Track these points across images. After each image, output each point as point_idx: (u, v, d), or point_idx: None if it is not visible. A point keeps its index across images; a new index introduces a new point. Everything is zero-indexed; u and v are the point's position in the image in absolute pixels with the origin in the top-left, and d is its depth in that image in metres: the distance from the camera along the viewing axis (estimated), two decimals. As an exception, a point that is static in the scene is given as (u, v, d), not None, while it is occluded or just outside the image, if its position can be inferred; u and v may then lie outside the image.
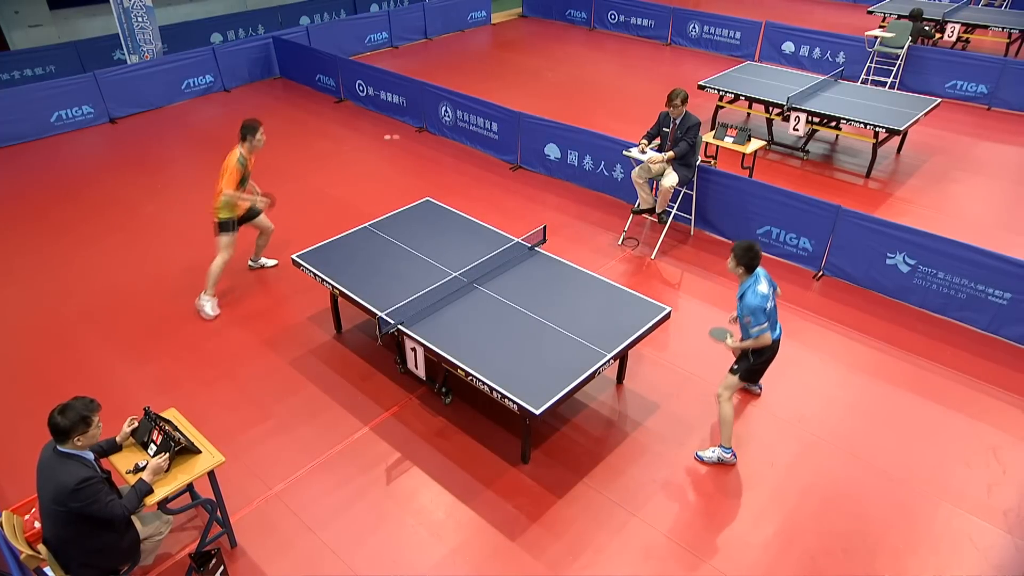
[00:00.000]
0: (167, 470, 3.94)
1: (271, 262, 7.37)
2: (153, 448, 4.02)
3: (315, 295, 6.87)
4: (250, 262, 7.34)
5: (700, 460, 5.13)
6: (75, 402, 3.58)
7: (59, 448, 3.58)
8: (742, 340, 4.87)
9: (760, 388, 5.72)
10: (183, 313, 6.68)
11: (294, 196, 8.71)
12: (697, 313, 6.71)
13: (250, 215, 6.72)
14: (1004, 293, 6.22)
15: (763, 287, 4.71)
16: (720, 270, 7.33)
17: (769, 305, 4.72)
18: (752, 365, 4.93)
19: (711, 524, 4.68)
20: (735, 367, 5.00)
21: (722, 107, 10.45)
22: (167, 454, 3.92)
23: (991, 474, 5.04)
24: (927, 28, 12.38)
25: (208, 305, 6.59)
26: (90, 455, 3.69)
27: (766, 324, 4.68)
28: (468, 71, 13.27)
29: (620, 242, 7.85)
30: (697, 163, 7.51)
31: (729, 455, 5.07)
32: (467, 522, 4.68)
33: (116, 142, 10.47)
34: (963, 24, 13.36)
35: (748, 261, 4.71)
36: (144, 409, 4.16)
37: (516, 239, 6.28)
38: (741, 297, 4.76)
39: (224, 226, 6.44)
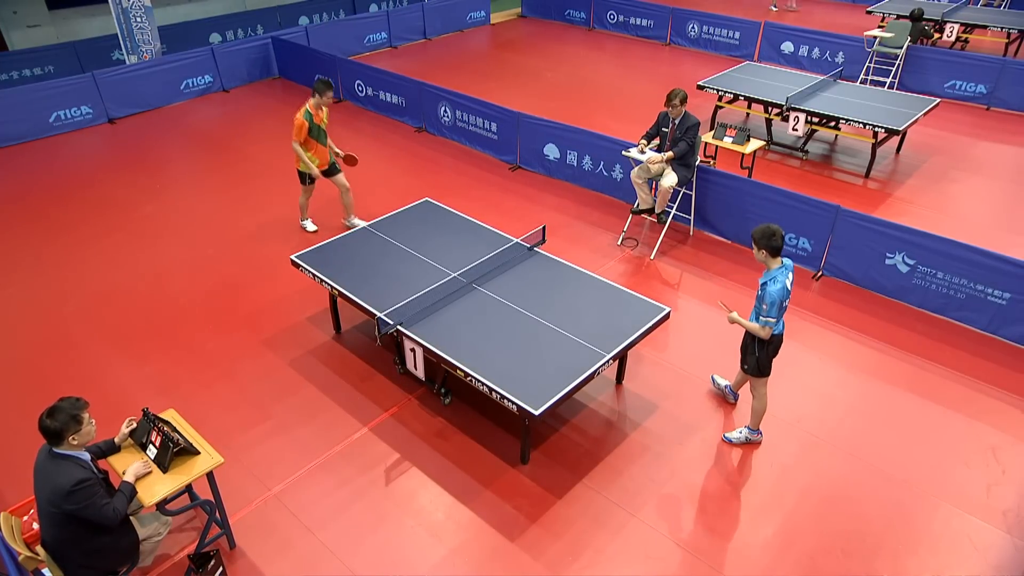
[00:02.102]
0: (165, 471, 3.94)
1: (360, 223, 7.78)
2: (152, 449, 4.01)
3: (314, 296, 6.87)
4: (344, 222, 8.06)
5: (728, 442, 5.26)
6: (62, 403, 3.56)
7: (55, 450, 3.58)
8: (750, 320, 4.89)
9: (736, 398, 5.70)
10: (182, 314, 6.68)
11: (293, 196, 8.70)
12: (696, 313, 6.71)
13: (331, 171, 7.64)
14: (1003, 293, 6.22)
15: (789, 281, 4.67)
16: (720, 270, 7.33)
17: (787, 302, 4.74)
18: (759, 358, 4.93)
19: (710, 524, 4.68)
20: (745, 367, 5.03)
21: (721, 107, 10.45)
22: (146, 456, 3.94)
23: (990, 474, 5.04)
24: (926, 28, 12.38)
25: (307, 224, 7.87)
26: (86, 456, 3.68)
27: (775, 320, 4.69)
28: (467, 71, 13.27)
29: (619, 242, 7.85)
30: (696, 163, 7.51)
31: (756, 434, 5.25)
32: (466, 523, 4.68)
33: (115, 142, 10.46)
34: (962, 24, 13.37)
35: (768, 243, 4.63)
36: (143, 410, 4.16)
37: (515, 239, 6.27)
38: (764, 284, 4.71)
39: (302, 179, 7.52)
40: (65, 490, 3.48)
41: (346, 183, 7.77)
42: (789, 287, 4.67)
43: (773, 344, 4.88)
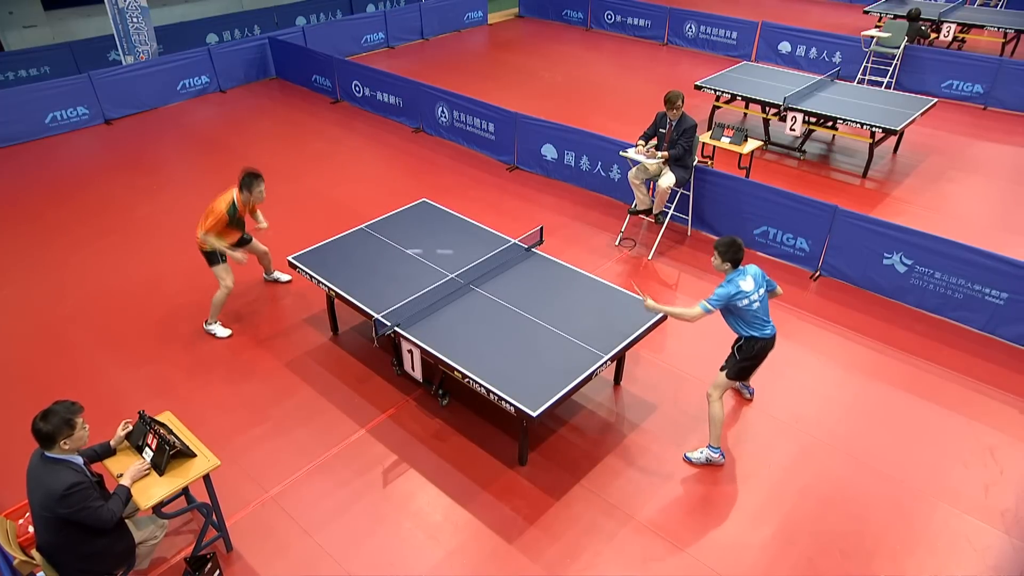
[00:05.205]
0: (162, 474, 3.92)
1: (285, 277, 7.14)
2: (148, 452, 4.00)
3: (311, 297, 6.85)
4: (264, 276, 7.17)
5: (688, 461, 5.11)
6: (56, 406, 3.55)
7: (47, 454, 3.56)
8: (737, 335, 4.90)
9: (752, 393, 5.70)
10: (178, 315, 6.65)
11: (290, 197, 8.69)
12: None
13: (241, 242, 6.44)
14: (1001, 293, 6.22)
15: (746, 283, 4.69)
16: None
17: (746, 303, 4.69)
18: (739, 362, 4.91)
19: (709, 526, 4.67)
20: (724, 365, 5.00)
21: (719, 107, 10.45)
22: (146, 461, 3.94)
23: (988, 474, 5.04)
24: (923, 28, 12.41)
25: (217, 330, 6.38)
26: (79, 459, 3.66)
27: (713, 310, 4.67)
28: (464, 71, 13.26)
29: (617, 243, 7.84)
30: (694, 164, 7.51)
31: (717, 455, 5.05)
32: (464, 524, 4.66)
33: (111, 143, 10.43)
34: (959, 24, 13.39)
35: (733, 256, 4.71)
36: (139, 412, 4.15)
37: (513, 240, 6.26)
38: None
39: (211, 258, 6.12)
40: (58, 494, 3.46)
41: (264, 247, 6.79)
42: (743, 288, 4.68)
43: (761, 347, 4.83)
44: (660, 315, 5.34)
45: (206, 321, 6.44)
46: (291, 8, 15.75)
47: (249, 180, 5.99)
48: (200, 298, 6.87)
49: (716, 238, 7.72)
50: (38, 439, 3.52)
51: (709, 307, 4.67)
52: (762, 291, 4.81)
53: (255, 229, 6.48)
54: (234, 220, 6.08)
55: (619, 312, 5.40)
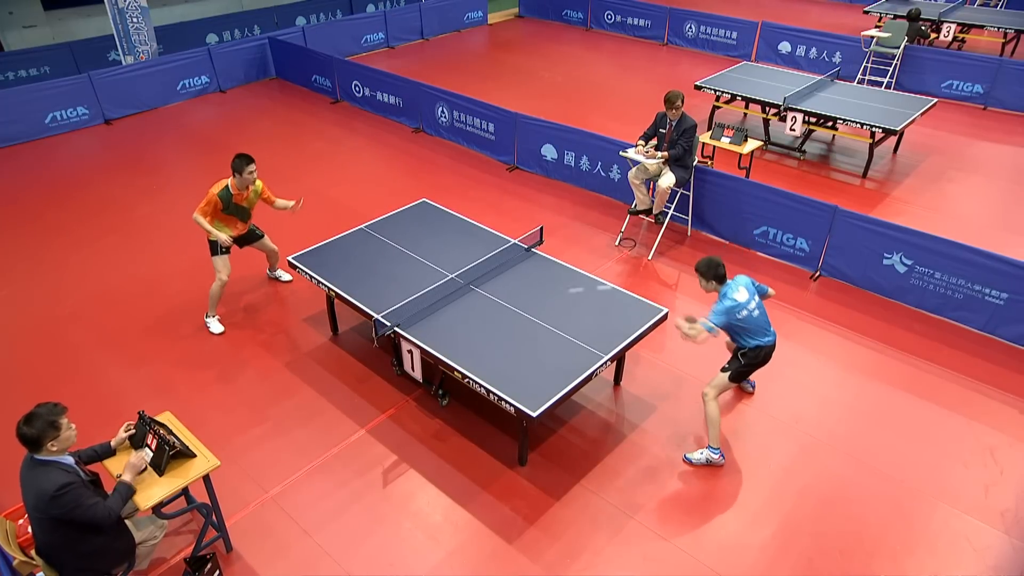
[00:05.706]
0: (162, 474, 3.92)
1: (286, 277, 7.18)
2: (148, 452, 3.99)
3: (311, 297, 6.85)
4: (268, 272, 7.25)
5: (688, 462, 5.11)
6: (39, 409, 3.54)
7: (36, 457, 3.56)
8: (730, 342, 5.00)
9: (753, 386, 5.72)
10: (178, 316, 6.65)
11: (290, 197, 8.65)
12: (694, 314, 6.65)
13: (250, 238, 6.63)
14: (1001, 293, 6.22)
15: (739, 294, 4.76)
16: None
17: (745, 313, 4.73)
18: (742, 366, 4.97)
19: (708, 526, 4.67)
20: (726, 366, 5.03)
21: (719, 107, 10.45)
22: (143, 451, 3.93)
23: (988, 474, 5.04)
24: (923, 28, 12.41)
25: (212, 324, 6.45)
26: (69, 460, 3.65)
27: (716, 329, 4.71)
28: (464, 72, 13.26)
29: (617, 243, 7.84)
30: (694, 164, 7.51)
31: (717, 456, 5.05)
32: (464, 525, 4.66)
33: (111, 143, 10.43)
34: (959, 24, 13.39)
35: (715, 273, 4.79)
36: (139, 413, 4.14)
37: (513, 240, 6.26)
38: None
39: (212, 247, 6.21)
40: (48, 495, 3.45)
41: (274, 247, 6.89)
42: (743, 300, 4.74)
43: (765, 353, 4.91)
44: (660, 315, 5.35)
45: (206, 313, 6.49)
46: (291, 8, 15.76)
47: (238, 162, 6.04)
48: (200, 297, 6.87)
49: (716, 238, 7.83)
50: (24, 443, 3.51)
51: (711, 325, 4.69)
52: (757, 298, 4.86)
53: (292, 212, 6.53)
54: (229, 206, 6.14)
55: (619, 312, 5.40)
